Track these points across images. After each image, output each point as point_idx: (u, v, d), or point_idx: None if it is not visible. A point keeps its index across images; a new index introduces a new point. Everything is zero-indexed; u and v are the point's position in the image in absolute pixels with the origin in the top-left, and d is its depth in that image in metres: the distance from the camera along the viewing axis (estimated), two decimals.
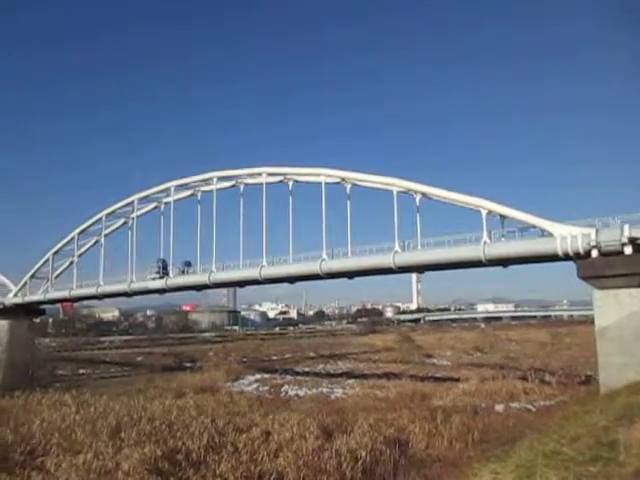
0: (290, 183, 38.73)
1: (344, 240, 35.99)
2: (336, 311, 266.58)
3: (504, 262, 30.49)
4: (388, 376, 44.33)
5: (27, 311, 56.37)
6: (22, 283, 56.64)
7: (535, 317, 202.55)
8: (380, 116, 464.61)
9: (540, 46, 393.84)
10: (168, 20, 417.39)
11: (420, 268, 36.46)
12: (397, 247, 32.45)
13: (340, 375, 54.14)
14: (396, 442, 17.79)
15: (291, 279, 40.61)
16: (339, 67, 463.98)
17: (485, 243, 28.80)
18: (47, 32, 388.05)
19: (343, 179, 35.78)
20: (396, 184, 32.80)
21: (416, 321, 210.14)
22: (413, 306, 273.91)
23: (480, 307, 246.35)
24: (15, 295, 56.43)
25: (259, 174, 40.22)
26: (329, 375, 55.47)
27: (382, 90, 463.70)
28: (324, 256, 35.74)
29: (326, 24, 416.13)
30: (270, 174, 39.54)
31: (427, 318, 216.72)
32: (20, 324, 54.47)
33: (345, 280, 39.39)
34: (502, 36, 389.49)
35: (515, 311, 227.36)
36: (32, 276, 55.91)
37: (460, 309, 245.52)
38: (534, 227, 27.91)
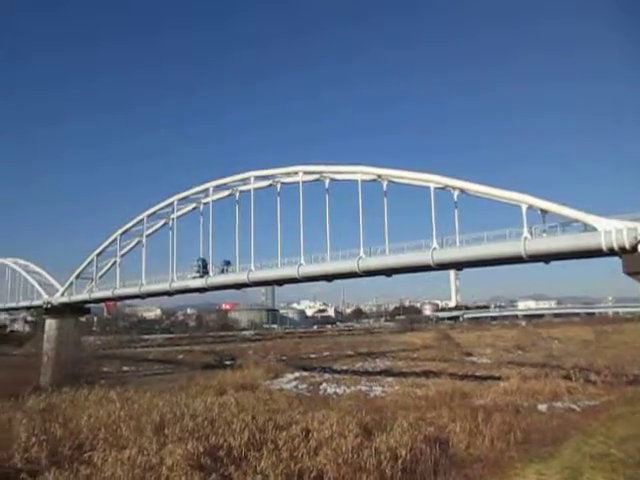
0: (326, 181, 38.75)
1: (380, 238, 35.86)
2: (374, 309, 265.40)
3: (545, 258, 29.73)
4: (427, 374, 43.97)
5: (73, 310, 58.30)
6: (68, 283, 58.58)
7: (578, 314, 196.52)
8: (406, 114, 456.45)
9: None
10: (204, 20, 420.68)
11: (459, 265, 35.91)
12: (435, 244, 32.07)
13: (379, 373, 53.93)
14: (436, 441, 17.61)
15: (329, 277, 40.67)
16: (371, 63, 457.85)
17: (526, 239, 28.17)
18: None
19: (379, 176, 35.57)
20: (433, 180, 32.41)
21: (455, 319, 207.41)
22: (452, 303, 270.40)
23: (521, 304, 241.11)
24: (62, 295, 58.42)
25: (295, 173, 40.39)
26: (367, 373, 55.34)
27: (415, 87, 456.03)
28: (362, 254, 35.64)
29: (362, 19, 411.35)
30: (306, 172, 39.65)
31: (466, 316, 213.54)
32: (67, 323, 56.40)
33: (383, 278, 39.25)
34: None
35: (557, 308, 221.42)
36: (77, 276, 57.72)
37: (500, 306, 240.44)
38: (577, 222, 27.11)
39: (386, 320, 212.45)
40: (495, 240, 30.10)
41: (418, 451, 16.23)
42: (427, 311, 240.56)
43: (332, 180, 38.63)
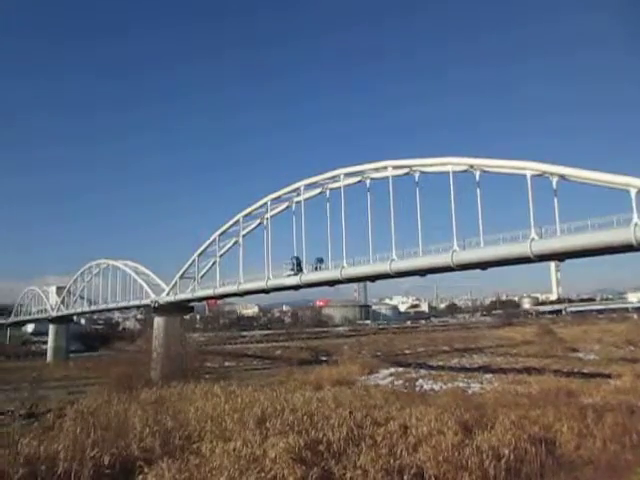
0: (416, 175, 38.21)
1: (471, 231, 34.83)
2: (469, 303, 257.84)
3: None
4: (529, 371, 42.03)
5: (178, 308, 61.83)
6: (173, 283, 62.15)
7: None
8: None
9: None
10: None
11: (560, 256, 33.90)
12: (533, 234, 30.57)
13: (477, 369, 52.35)
14: (542, 441, 16.81)
15: (421, 272, 40.05)
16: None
17: (636, 225, 26.11)
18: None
19: (472, 166, 34.47)
20: (529, 167, 30.89)
21: (557, 312, 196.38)
22: (553, 297, 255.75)
23: (631, 296, 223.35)
24: (167, 294, 62.10)
25: (384, 168, 40.17)
26: (465, 369, 53.94)
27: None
28: (455, 247, 34.76)
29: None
30: (395, 167, 39.33)
31: (569, 309, 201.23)
32: (173, 320, 59.92)
33: (477, 271, 38.10)
34: None
35: None
36: (181, 276, 61.09)
37: (607, 299, 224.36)
38: None
39: (482, 315, 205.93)
40: (601, 228, 28.17)
41: (522, 451, 15.60)
42: (526, 305, 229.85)
43: (422, 173, 38.08)
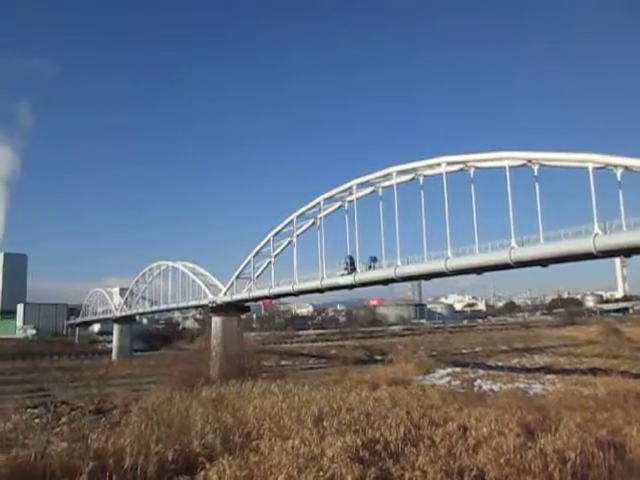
0: (471, 170, 37.47)
1: (528, 227, 33.89)
2: (528, 302, 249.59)
3: None
4: (594, 372, 40.44)
5: (235, 308, 63.14)
6: (229, 283, 63.50)
7: None
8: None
9: None
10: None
11: (626, 252, 32.42)
12: (597, 229, 29.37)
13: (538, 370, 50.84)
14: (610, 445, 16.08)
15: (478, 270, 39.25)
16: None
17: None
18: None
19: (529, 160, 33.48)
20: (591, 160, 29.71)
21: (623, 311, 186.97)
22: (618, 294, 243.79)
23: None
24: (225, 294, 63.50)
25: (438, 164, 39.59)
26: (525, 370, 52.46)
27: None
28: (513, 244, 33.85)
29: None
30: (449, 163, 38.70)
31: (637, 307, 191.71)
32: (231, 320, 61.26)
33: (537, 268, 36.93)
34: None
35: None
36: (237, 277, 62.32)
37: None
38: None
39: (542, 313, 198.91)
40: None
41: (589, 455, 14.98)
42: (589, 303, 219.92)
43: (476, 169, 37.31)
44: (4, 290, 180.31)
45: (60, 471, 12.32)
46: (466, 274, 42.58)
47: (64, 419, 22.93)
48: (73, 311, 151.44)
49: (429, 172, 40.86)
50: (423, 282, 53.73)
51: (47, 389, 42.07)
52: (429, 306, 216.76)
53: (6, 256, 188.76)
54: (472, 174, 37.37)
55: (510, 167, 34.32)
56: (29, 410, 27.66)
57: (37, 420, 22.93)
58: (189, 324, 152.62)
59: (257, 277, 60.41)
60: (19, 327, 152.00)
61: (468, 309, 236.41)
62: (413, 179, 42.07)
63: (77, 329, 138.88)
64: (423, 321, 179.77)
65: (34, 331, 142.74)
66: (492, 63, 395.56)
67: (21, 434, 17.27)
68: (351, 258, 47.06)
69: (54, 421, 21.56)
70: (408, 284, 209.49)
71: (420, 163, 41.17)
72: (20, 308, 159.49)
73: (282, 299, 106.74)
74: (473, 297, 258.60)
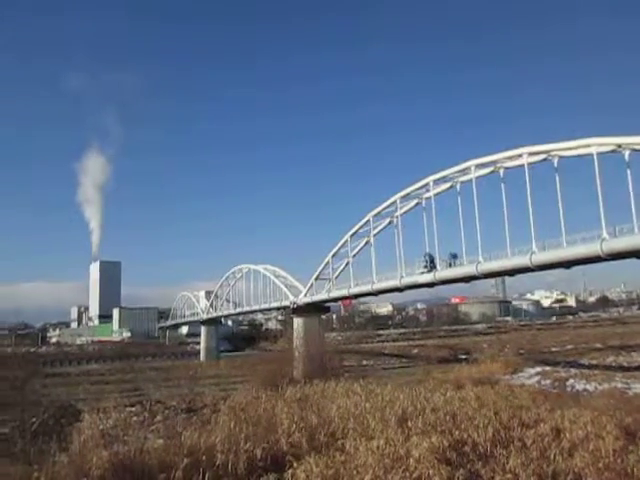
0: (555, 160, 35.80)
1: (620, 217, 31.85)
2: (623, 296, 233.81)
3: None
4: None
5: (316, 309, 63.95)
6: (309, 284, 64.37)
7: None
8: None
9: None
10: None
11: None
12: None
13: (636, 368, 47.60)
14: None
15: (566, 264, 37.42)
16: None
17: None
18: None
19: (619, 145, 31.55)
20: None
21: None
22: None
23: None
24: (305, 295, 64.45)
25: (519, 155, 38.18)
26: (622, 368, 49.30)
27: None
28: (605, 235, 31.97)
29: None
30: (531, 153, 37.19)
31: None
32: (312, 321, 62.12)
33: (632, 260, 34.63)
34: None
35: None
36: (316, 278, 63.05)
37: None
38: None
39: (639, 308, 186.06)
40: None
41: None
42: None
43: (560, 158, 35.60)
44: (101, 296, 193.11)
45: (157, 466, 12.97)
46: (553, 269, 40.91)
47: (159, 417, 24.18)
48: (163, 314, 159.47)
49: (509, 164, 39.48)
50: (508, 278, 51.96)
51: (142, 389, 44.57)
52: (514, 303, 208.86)
53: (102, 264, 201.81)
54: (556, 163, 35.72)
55: (598, 154, 32.49)
56: (127, 408, 29.42)
57: (135, 418, 24.31)
58: (271, 325, 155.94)
59: (336, 278, 60.82)
60: (115, 330, 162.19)
61: (557, 305, 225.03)
62: (493, 172, 40.81)
63: (167, 331, 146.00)
64: (508, 318, 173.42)
65: (129, 334, 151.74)
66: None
67: (121, 431, 18.34)
68: (430, 256, 46.39)
69: (150, 419, 22.77)
70: (491, 280, 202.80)
71: (500, 155, 39.85)
72: (116, 312, 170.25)
73: (361, 299, 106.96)
74: (561, 292, 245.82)
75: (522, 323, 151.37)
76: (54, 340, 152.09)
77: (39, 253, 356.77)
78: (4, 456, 14.17)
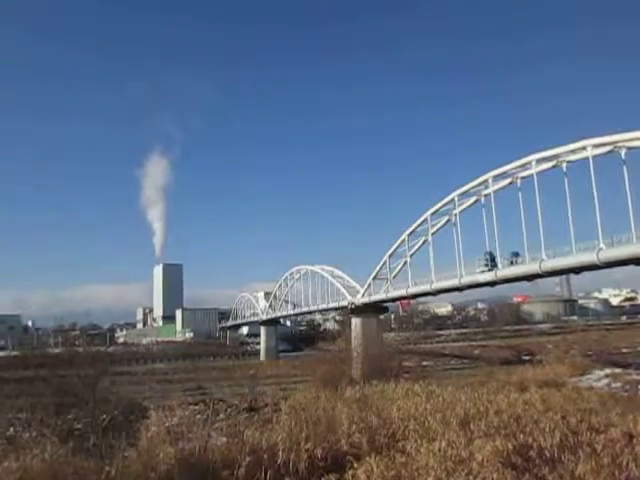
0: (622, 152, 34.20)
1: None
2: None
3: None
4: None
5: (374, 309, 63.78)
6: (367, 285, 64.26)
7: None
8: None
9: None
10: None
11: None
12: None
13: None
14: None
15: (637, 260, 35.63)
16: None
17: None
18: None
19: None
20: None
21: None
22: None
23: None
24: (362, 296, 64.37)
25: (582, 148, 36.72)
26: None
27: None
28: None
29: None
30: (596, 145, 35.68)
31: None
32: (370, 321, 62.02)
33: None
34: None
35: None
36: (374, 278, 62.87)
37: None
38: None
39: None
40: None
41: None
42: None
43: (628, 149, 33.96)
44: (164, 297, 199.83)
45: (221, 463, 13.33)
46: (622, 265, 39.01)
47: (222, 415, 24.79)
48: (223, 315, 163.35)
49: (572, 157, 38.05)
50: (573, 276, 50.06)
51: (205, 387, 45.82)
52: (580, 302, 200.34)
53: (165, 267, 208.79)
54: (623, 155, 34.13)
55: None
56: (191, 406, 30.34)
57: (198, 416, 25.03)
58: (329, 325, 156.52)
59: (394, 277, 60.44)
60: (179, 331, 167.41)
61: (627, 304, 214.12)
62: (554, 166, 39.44)
63: (228, 332, 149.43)
64: (574, 318, 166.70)
65: (191, 334, 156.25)
66: None
67: (185, 428, 18.93)
68: (491, 254, 45.38)
69: (213, 417, 23.38)
70: (555, 279, 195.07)
71: (562, 149, 38.52)
72: (179, 314, 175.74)
73: (420, 299, 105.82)
74: (632, 290, 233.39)
75: (589, 323, 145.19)
76: (121, 340, 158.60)
77: (106, 256, 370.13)
78: (79, 450, 14.91)
